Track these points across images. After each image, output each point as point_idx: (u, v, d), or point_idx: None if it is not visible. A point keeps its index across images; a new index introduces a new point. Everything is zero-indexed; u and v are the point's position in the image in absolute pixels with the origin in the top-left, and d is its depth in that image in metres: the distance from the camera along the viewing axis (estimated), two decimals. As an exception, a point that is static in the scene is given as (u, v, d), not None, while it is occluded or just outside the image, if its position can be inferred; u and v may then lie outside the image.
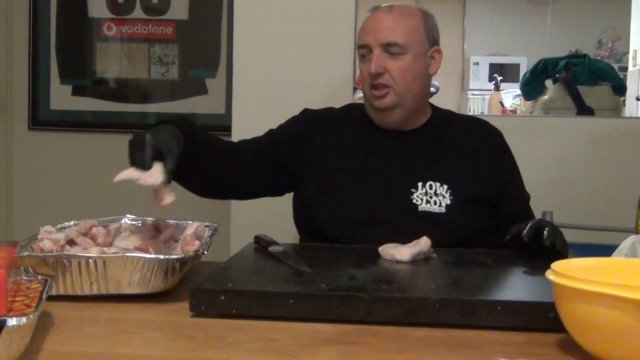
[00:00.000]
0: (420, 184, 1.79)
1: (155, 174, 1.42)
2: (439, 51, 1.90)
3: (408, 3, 1.91)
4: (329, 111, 1.97)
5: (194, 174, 1.69)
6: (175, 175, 1.49)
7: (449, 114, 1.99)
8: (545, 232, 1.52)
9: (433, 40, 1.88)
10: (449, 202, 1.77)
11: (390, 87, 1.81)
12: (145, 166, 1.43)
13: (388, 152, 1.86)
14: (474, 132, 1.92)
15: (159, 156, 1.45)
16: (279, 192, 1.95)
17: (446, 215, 1.76)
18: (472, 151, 1.87)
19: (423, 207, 1.77)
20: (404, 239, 1.52)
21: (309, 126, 1.92)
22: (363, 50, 1.84)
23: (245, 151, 1.85)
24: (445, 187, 1.79)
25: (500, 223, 1.82)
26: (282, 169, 1.87)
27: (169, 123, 1.55)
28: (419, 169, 1.82)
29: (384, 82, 1.80)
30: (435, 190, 1.78)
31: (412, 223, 1.73)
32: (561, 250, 1.49)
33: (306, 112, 1.97)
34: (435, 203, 1.77)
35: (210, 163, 1.74)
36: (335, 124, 1.92)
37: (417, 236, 1.52)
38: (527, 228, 1.54)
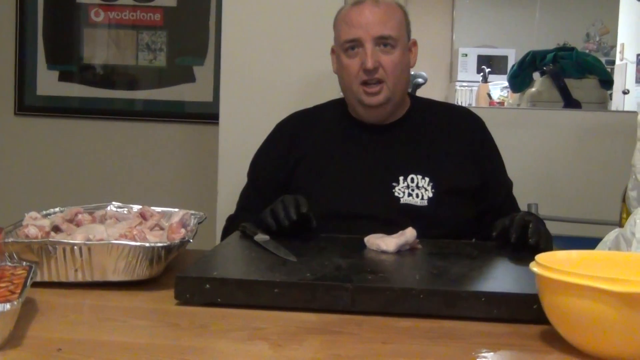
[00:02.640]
0: (401, 178, 1.79)
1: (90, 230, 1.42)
2: (415, 43, 1.91)
3: None
4: (304, 112, 1.98)
5: None
6: None
7: (429, 103, 1.99)
8: (529, 230, 1.52)
9: (410, 33, 1.88)
10: (431, 194, 1.77)
11: (383, 82, 1.80)
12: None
13: (369, 147, 1.86)
14: (454, 121, 1.92)
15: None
16: None
17: (428, 208, 1.76)
18: (454, 141, 1.87)
19: (405, 200, 1.77)
20: (387, 233, 1.52)
21: (287, 134, 1.93)
22: (351, 44, 1.80)
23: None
24: (427, 179, 1.79)
25: (483, 212, 1.83)
26: (284, 184, 1.87)
27: None
28: (400, 162, 1.82)
29: (378, 77, 1.79)
30: (417, 183, 1.78)
31: (394, 217, 1.72)
32: (545, 248, 1.50)
33: (281, 126, 1.97)
34: (417, 196, 1.77)
35: None
36: (313, 124, 1.93)
37: (399, 230, 1.52)
38: (514, 227, 1.54)
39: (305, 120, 1.95)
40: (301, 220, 1.61)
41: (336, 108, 1.95)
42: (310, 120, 1.95)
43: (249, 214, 1.83)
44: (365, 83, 1.79)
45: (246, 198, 1.95)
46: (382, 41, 1.78)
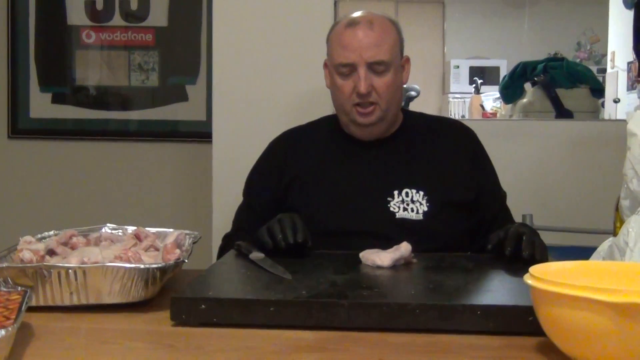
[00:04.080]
0: (396, 192, 1.79)
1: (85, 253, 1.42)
2: (408, 60, 1.90)
3: (385, 12, 1.90)
4: (297, 130, 1.99)
5: None
6: None
7: (420, 116, 1.99)
8: (523, 242, 1.53)
9: (402, 50, 1.88)
10: (426, 208, 1.78)
11: (376, 104, 1.80)
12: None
13: (363, 162, 1.86)
14: (447, 134, 1.93)
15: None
16: None
17: (424, 222, 1.77)
18: (447, 154, 1.87)
19: (400, 214, 1.78)
20: (383, 248, 1.52)
21: (282, 151, 1.94)
22: (344, 69, 1.80)
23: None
24: (422, 193, 1.79)
25: (478, 224, 1.83)
26: (280, 201, 1.88)
27: None
28: (394, 177, 1.82)
29: (371, 100, 1.80)
30: (412, 197, 1.79)
31: (390, 231, 1.72)
32: (540, 259, 1.50)
33: (274, 144, 1.98)
34: (412, 210, 1.78)
35: None
36: (307, 141, 1.94)
37: (395, 244, 1.52)
38: (508, 241, 1.54)
39: (299, 137, 1.96)
40: (298, 244, 1.61)
41: (329, 124, 1.95)
42: (303, 137, 1.96)
43: (245, 232, 1.84)
44: (358, 104, 1.80)
45: (242, 216, 1.95)
46: (375, 66, 1.78)
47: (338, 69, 1.81)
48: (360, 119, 1.82)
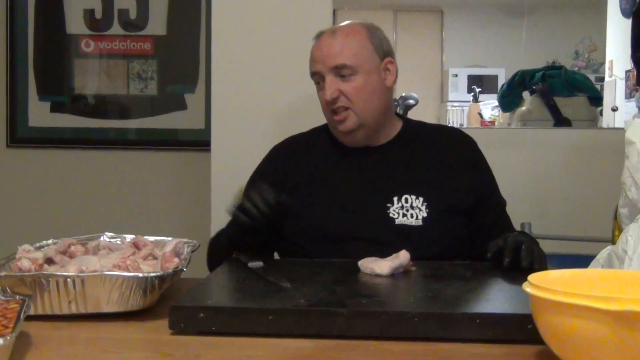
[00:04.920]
0: (395, 198, 1.79)
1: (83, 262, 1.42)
2: (392, 62, 1.89)
3: (354, 20, 1.89)
4: (296, 139, 1.99)
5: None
6: None
7: (420, 125, 1.99)
8: (522, 251, 1.53)
9: (384, 52, 1.86)
10: (425, 214, 1.78)
11: (349, 109, 1.81)
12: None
13: (362, 169, 1.86)
14: (446, 142, 1.93)
15: None
16: None
17: (423, 228, 1.77)
18: (446, 161, 1.88)
19: (400, 220, 1.78)
20: (382, 254, 1.53)
21: (280, 160, 1.94)
22: (316, 78, 1.85)
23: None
24: (421, 199, 1.79)
25: (477, 231, 1.83)
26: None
27: None
28: (393, 183, 1.82)
29: (342, 105, 1.81)
30: (411, 203, 1.79)
31: (389, 238, 1.73)
32: (539, 268, 1.50)
33: (277, 150, 1.99)
34: (412, 216, 1.78)
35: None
36: (306, 149, 1.94)
37: (395, 251, 1.52)
38: (507, 250, 1.55)
39: (301, 144, 1.97)
40: (275, 208, 1.63)
41: (328, 133, 1.95)
42: (305, 144, 1.96)
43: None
44: (334, 112, 1.83)
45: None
46: (339, 70, 1.80)
47: (314, 80, 1.87)
48: (338, 126, 1.84)
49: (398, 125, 1.93)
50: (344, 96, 1.80)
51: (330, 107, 1.82)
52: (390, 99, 1.92)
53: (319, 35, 1.87)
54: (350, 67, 1.79)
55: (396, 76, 1.89)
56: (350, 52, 1.80)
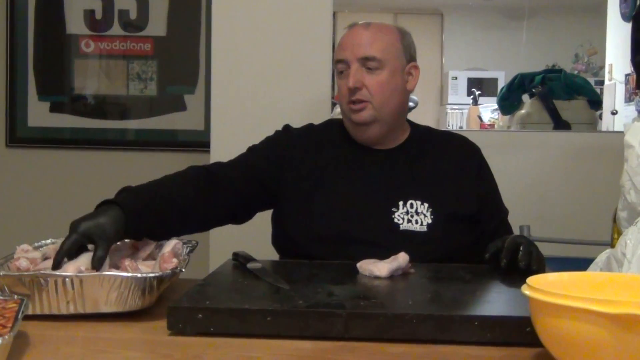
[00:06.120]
0: (401, 203, 1.79)
1: (80, 261, 1.38)
2: (416, 67, 1.90)
3: (385, 22, 1.92)
4: (309, 128, 1.97)
5: (166, 233, 1.62)
6: (150, 236, 1.59)
7: (427, 130, 1.99)
8: (520, 253, 1.53)
9: (410, 56, 1.89)
10: (430, 220, 1.78)
11: (368, 102, 1.81)
12: (69, 255, 1.38)
13: (368, 171, 1.86)
14: (453, 148, 1.93)
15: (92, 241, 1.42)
16: (264, 208, 1.93)
17: (428, 234, 1.76)
18: (452, 168, 1.88)
19: (404, 226, 1.77)
20: (385, 259, 1.52)
21: (290, 144, 1.91)
22: (341, 66, 1.85)
23: (223, 178, 1.81)
24: (426, 205, 1.79)
25: (479, 238, 1.83)
26: (265, 188, 1.85)
27: (114, 204, 1.57)
28: (399, 188, 1.82)
29: (361, 98, 1.81)
30: (416, 209, 1.79)
31: (393, 242, 1.71)
32: (537, 270, 1.50)
33: (287, 129, 1.96)
34: (416, 222, 1.77)
35: (181, 216, 1.69)
36: (315, 142, 1.92)
37: (398, 255, 1.52)
38: (505, 251, 1.55)
39: (313, 134, 1.95)
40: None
41: (338, 129, 1.94)
42: (316, 135, 1.94)
43: (219, 169, 1.85)
44: (351, 102, 1.82)
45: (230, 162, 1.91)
46: (367, 62, 1.80)
47: (337, 68, 1.87)
48: (354, 116, 1.83)
49: (408, 130, 1.93)
50: (366, 89, 1.81)
51: (350, 97, 1.82)
52: (406, 103, 1.93)
53: (352, 25, 1.88)
54: (378, 60, 1.80)
55: (416, 82, 1.91)
56: (381, 47, 1.82)
